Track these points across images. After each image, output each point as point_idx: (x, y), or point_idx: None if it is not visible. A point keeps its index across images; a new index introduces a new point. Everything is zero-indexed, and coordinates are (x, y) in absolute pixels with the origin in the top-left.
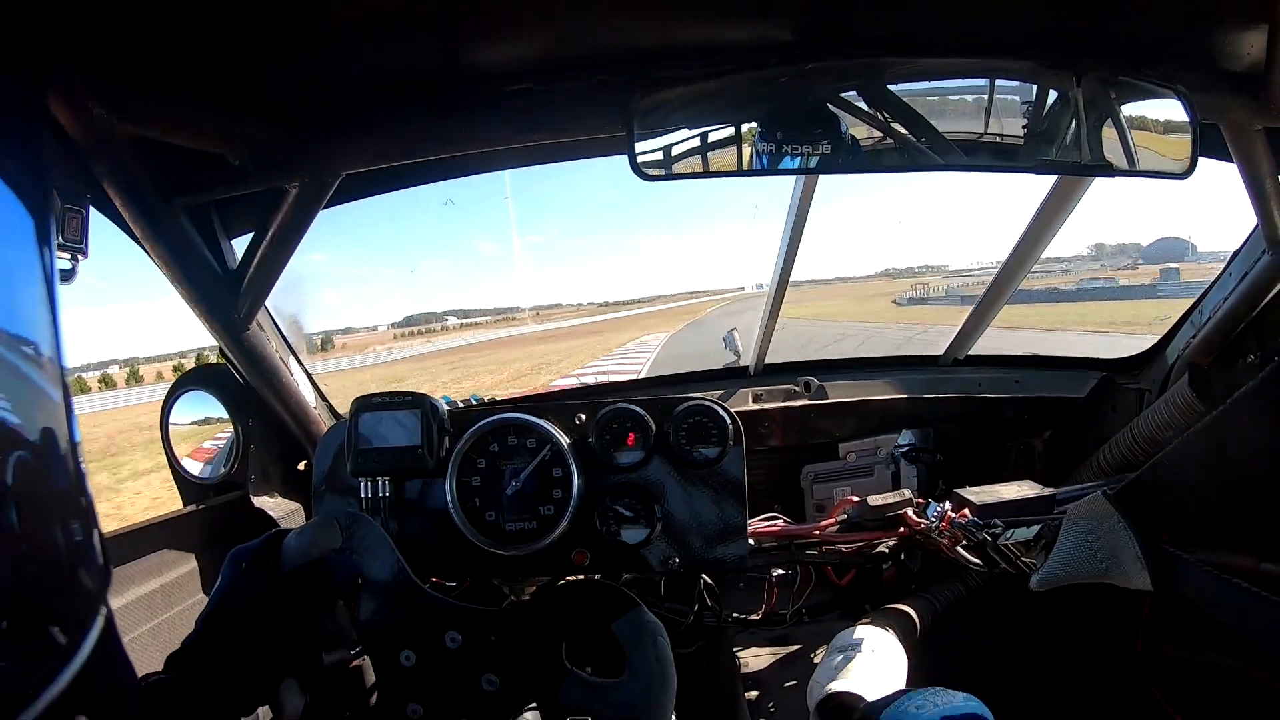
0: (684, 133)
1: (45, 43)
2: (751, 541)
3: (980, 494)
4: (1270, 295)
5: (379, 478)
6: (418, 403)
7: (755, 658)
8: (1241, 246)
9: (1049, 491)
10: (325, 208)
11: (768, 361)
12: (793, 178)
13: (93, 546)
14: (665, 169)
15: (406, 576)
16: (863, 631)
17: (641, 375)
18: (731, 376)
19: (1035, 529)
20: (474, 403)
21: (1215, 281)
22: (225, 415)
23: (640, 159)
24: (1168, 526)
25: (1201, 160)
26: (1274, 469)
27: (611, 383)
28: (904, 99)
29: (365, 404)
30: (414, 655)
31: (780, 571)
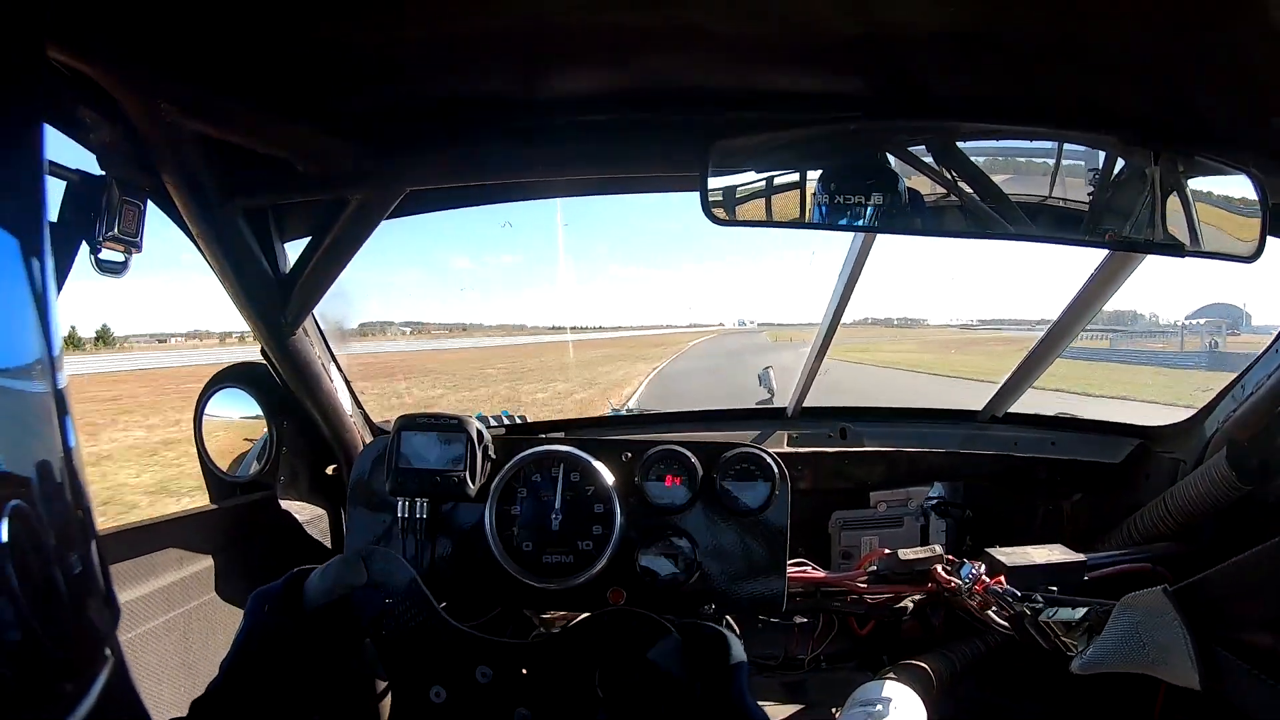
0: (751, 175)
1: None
2: None
3: (1011, 555)
4: None
5: (417, 499)
6: (462, 427)
7: (770, 703)
8: None
9: (1080, 558)
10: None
11: (806, 405)
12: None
13: (97, 581)
14: (729, 211)
15: (434, 612)
16: (886, 688)
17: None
18: (768, 417)
19: (1082, 611)
20: (505, 419)
21: (1260, 357)
22: (260, 414)
23: (712, 204)
24: (1226, 630)
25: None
26: None
27: (649, 413)
28: (971, 157)
29: (409, 423)
30: (444, 691)
31: (803, 619)
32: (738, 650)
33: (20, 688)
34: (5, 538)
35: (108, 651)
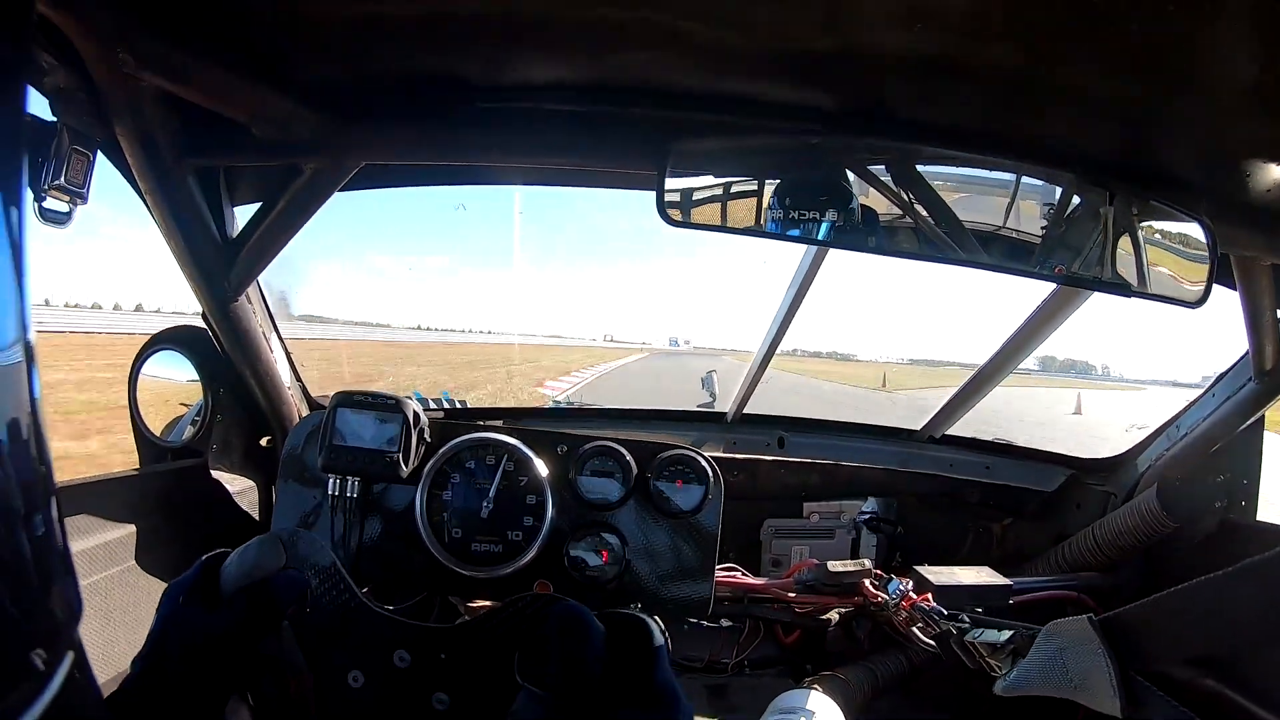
0: (709, 179)
1: None
2: None
3: (939, 574)
4: (1248, 422)
5: (349, 477)
6: (400, 407)
7: (695, 704)
8: (1227, 371)
9: (1007, 581)
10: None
11: (746, 412)
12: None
13: (59, 542)
14: (685, 214)
15: (354, 595)
16: (806, 698)
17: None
18: (708, 420)
19: (1007, 634)
20: (445, 403)
21: (1196, 401)
22: (196, 379)
23: (668, 205)
24: (1147, 661)
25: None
26: (1267, 639)
27: (591, 408)
28: (929, 181)
29: (346, 399)
30: (362, 676)
31: (729, 623)
32: (658, 635)
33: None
34: None
35: (71, 619)
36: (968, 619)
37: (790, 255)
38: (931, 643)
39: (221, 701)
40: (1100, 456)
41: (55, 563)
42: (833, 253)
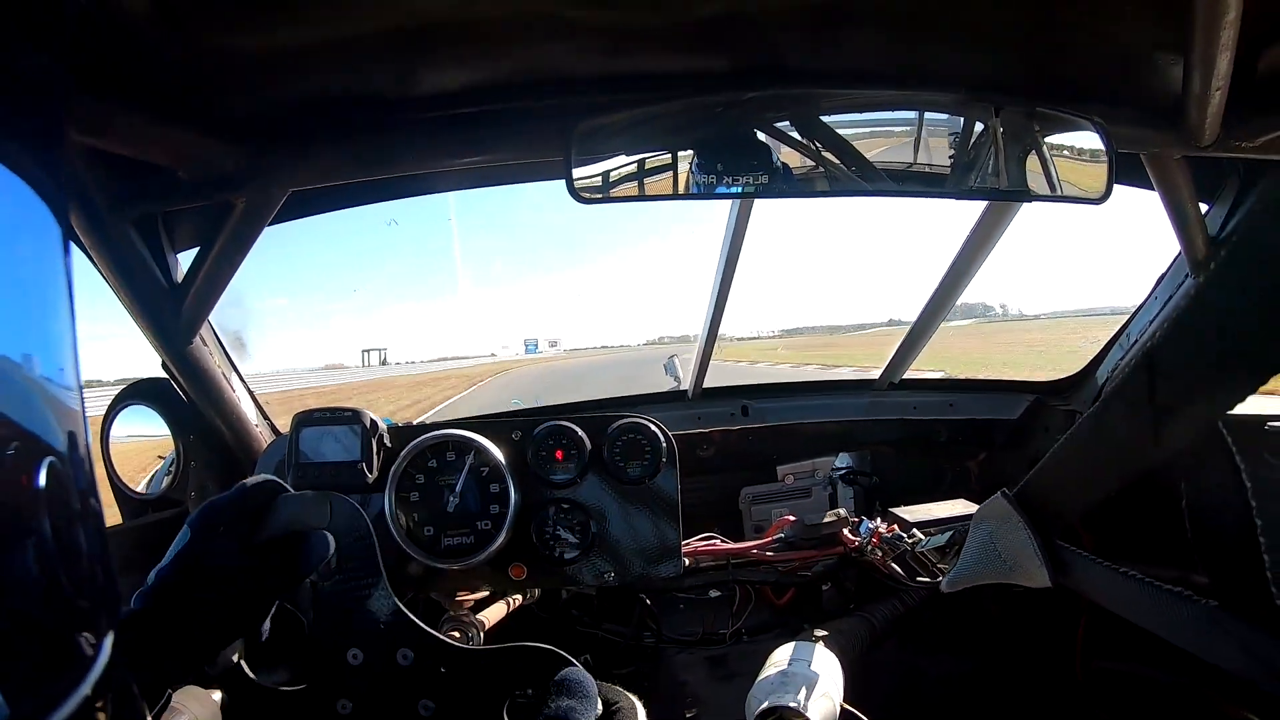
0: (622, 159)
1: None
2: (689, 561)
3: (914, 512)
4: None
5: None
6: (357, 418)
7: (695, 678)
8: (1165, 273)
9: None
10: (271, 224)
11: (706, 386)
12: (728, 203)
13: (103, 567)
14: (600, 190)
15: (380, 578)
16: (800, 647)
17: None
18: (669, 400)
19: (948, 535)
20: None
21: (1141, 306)
22: (166, 431)
23: (578, 183)
24: (1059, 524)
25: (1124, 189)
26: (1143, 461)
27: (550, 406)
28: (837, 130)
29: (306, 419)
30: (361, 655)
31: (717, 592)
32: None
33: (11, 674)
34: (43, 483)
35: (115, 605)
36: (918, 533)
37: (715, 227)
38: (902, 572)
39: (227, 642)
40: (1058, 378)
41: (100, 552)
42: (756, 225)
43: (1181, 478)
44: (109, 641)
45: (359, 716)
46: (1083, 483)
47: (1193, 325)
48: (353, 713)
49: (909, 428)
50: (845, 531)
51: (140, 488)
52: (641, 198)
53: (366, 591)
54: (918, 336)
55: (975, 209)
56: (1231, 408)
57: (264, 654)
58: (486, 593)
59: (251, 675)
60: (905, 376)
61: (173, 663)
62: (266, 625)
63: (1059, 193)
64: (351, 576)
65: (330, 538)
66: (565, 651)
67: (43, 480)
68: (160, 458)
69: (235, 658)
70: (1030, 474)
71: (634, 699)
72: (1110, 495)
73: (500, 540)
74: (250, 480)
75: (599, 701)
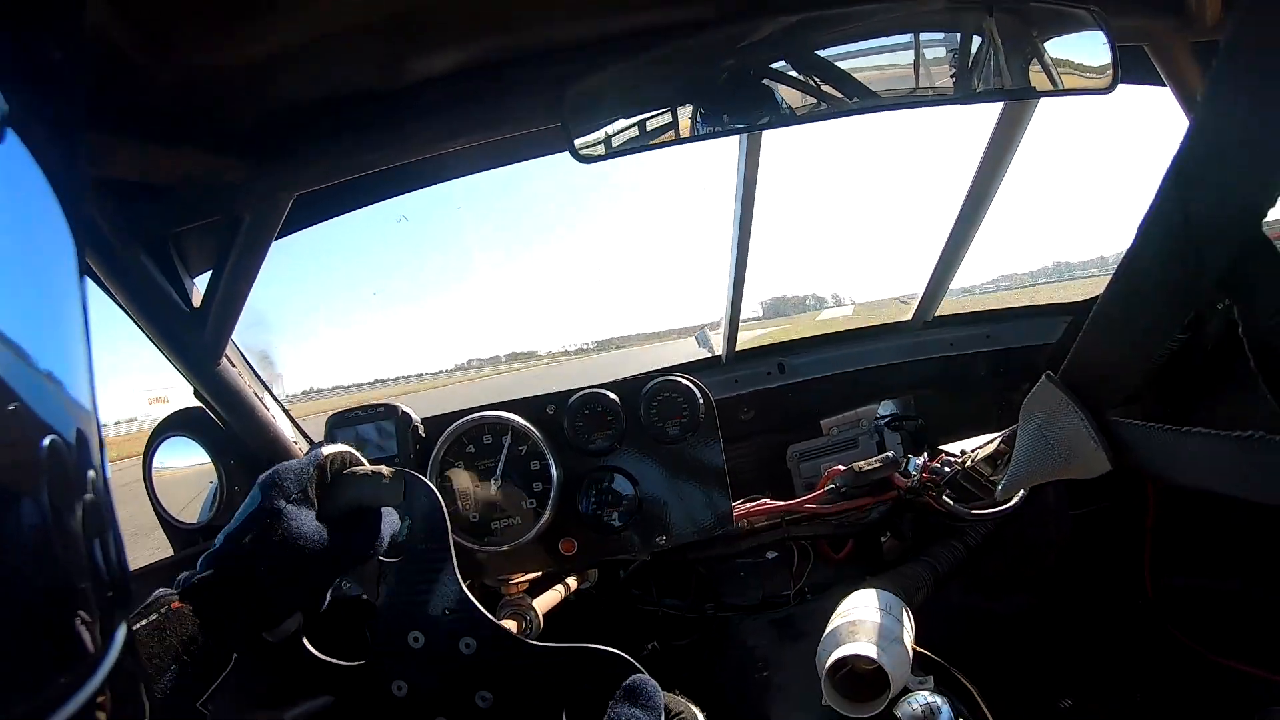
0: (621, 121)
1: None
2: (744, 524)
3: (962, 444)
4: None
5: None
6: (390, 413)
7: (763, 642)
8: None
9: None
10: (281, 234)
11: (739, 348)
12: (733, 161)
13: (112, 554)
14: (603, 146)
15: (450, 564)
16: (864, 594)
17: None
18: (704, 367)
19: (995, 442)
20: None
21: None
22: (207, 459)
23: (579, 145)
24: (1113, 398)
25: (1135, 91)
26: (1191, 295)
27: (582, 389)
28: (833, 60)
29: (339, 420)
30: (423, 639)
31: (774, 553)
32: None
33: (22, 663)
34: (45, 455)
35: (125, 600)
36: (962, 452)
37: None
38: (952, 501)
39: (291, 611)
40: (1093, 296)
41: (111, 541)
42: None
43: (1233, 304)
44: (120, 635)
45: (414, 700)
46: (1131, 344)
47: (1214, 127)
48: (408, 695)
49: (949, 364)
50: (896, 475)
51: (192, 518)
52: (643, 147)
53: (434, 574)
54: (947, 266)
55: (986, 134)
56: (1272, 204)
57: (323, 627)
58: (539, 573)
59: (310, 648)
60: (939, 314)
61: (238, 627)
62: (327, 597)
63: (1065, 86)
64: (420, 558)
65: (396, 516)
66: (627, 632)
67: (49, 471)
68: (211, 482)
69: (294, 627)
70: (1072, 349)
71: (696, 710)
72: (1163, 352)
73: (547, 516)
74: (327, 448)
75: (663, 713)
